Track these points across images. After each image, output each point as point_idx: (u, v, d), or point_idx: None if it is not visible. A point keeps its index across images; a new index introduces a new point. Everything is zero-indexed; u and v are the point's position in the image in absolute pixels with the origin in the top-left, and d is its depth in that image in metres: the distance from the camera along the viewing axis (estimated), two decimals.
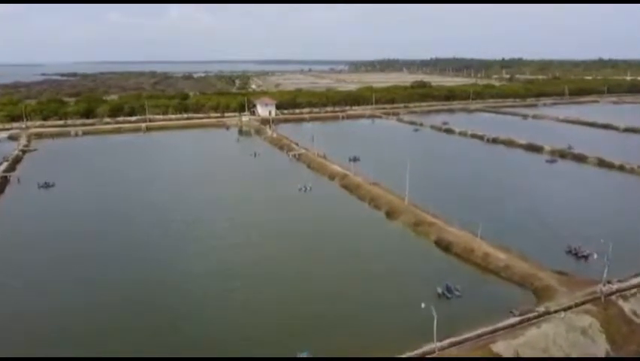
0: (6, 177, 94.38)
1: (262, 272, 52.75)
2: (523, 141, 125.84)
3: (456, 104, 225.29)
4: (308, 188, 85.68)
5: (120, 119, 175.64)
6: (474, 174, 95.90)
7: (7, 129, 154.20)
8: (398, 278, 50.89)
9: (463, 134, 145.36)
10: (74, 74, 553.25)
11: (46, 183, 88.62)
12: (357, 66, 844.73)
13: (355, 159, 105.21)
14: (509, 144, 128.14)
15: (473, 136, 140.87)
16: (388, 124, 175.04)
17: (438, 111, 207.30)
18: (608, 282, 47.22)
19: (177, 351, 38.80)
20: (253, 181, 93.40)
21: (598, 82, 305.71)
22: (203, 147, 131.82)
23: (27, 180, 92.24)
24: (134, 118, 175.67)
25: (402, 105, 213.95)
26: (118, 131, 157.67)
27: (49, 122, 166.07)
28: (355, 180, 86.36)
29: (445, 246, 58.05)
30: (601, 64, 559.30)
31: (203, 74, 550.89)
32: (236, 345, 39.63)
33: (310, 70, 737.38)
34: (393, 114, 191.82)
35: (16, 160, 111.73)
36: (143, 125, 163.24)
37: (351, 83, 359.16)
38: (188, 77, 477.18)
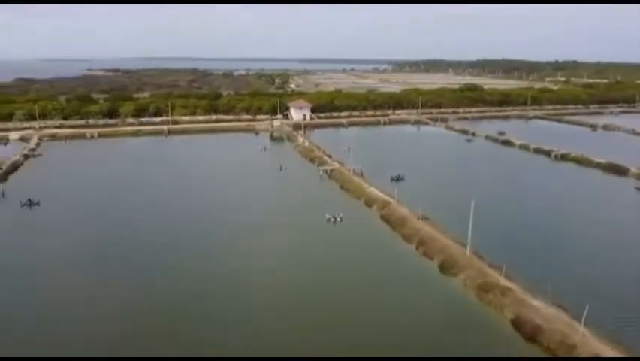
0: None
1: None
2: (601, 160, 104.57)
3: (510, 111, 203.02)
4: (338, 218, 68.49)
5: (144, 120, 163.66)
6: (550, 209, 74.57)
7: (23, 129, 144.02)
8: None
9: (524, 147, 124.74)
10: (117, 70, 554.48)
11: (29, 200, 74.34)
12: (401, 66, 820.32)
13: (399, 179, 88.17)
14: (584, 162, 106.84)
15: (537, 151, 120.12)
16: (436, 132, 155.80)
17: (490, 118, 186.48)
18: None
19: None
20: (271, 206, 76.70)
21: None
22: (222, 157, 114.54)
23: (15, 194, 78.67)
24: (158, 119, 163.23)
25: (450, 110, 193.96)
26: (136, 134, 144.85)
27: (70, 122, 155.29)
28: (399, 212, 68.63)
29: (528, 333, 39.88)
30: None
31: (244, 72, 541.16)
32: None
33: (353, 69, 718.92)
34: (441, 120, 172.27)
35: (14, 167, 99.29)
36: (165, 127, 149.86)
37: (395, 84, 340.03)
38: (228, 74, 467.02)
